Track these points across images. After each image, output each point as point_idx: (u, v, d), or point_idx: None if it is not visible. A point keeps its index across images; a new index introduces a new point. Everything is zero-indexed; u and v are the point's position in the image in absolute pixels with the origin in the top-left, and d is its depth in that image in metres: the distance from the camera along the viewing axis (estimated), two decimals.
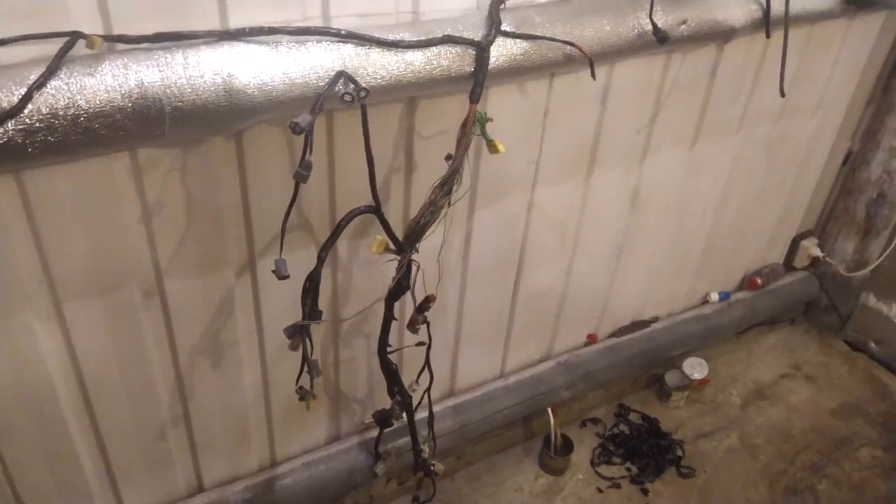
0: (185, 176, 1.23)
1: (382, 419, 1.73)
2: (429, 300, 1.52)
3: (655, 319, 2.40)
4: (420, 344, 1.63)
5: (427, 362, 1.66)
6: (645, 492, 2.12)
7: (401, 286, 1.46)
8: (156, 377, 1.46)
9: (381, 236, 1.39)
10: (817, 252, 2.63)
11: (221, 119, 1.07)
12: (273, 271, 1.16)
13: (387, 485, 2.03)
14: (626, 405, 2.41)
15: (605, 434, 2.30)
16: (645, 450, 2.23)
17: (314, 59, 1.12)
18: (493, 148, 1.39)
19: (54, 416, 1.37)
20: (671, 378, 2.41)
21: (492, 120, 1.38)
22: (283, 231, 1.19)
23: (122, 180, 1.19)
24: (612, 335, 2.31)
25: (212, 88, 1.02)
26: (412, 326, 1.53)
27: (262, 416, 1.68)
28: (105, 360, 1.37)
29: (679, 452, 2.25)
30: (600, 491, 2.12)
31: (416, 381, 1.71)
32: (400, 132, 1.47)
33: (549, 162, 1.73)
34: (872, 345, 2.70)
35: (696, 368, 2.40)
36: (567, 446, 2.17)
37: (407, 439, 1.84)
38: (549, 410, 2.13)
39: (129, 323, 1.35)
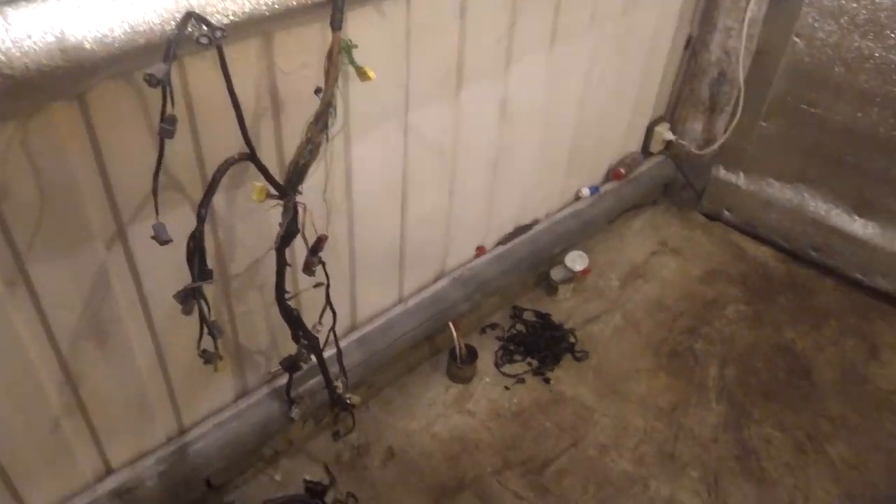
0: (29, 150, 1.10)
1: (290, 365, 1.72)
2: (321, 240, 1.50)
3: (536, 222, 2.50)
4: (318, 285, 1.61)
5: (328, 301, 1.65)
6: (547, 380, 2.27)
7: (290, 231, 1.42)
8: (38, 369, 1.35)
9: (261, 182, 1.34)
10: (670, 136, 2.82)
11: (60, 82, 0.96)
12: (153, 237, 1.08)
13: (304, 426, 2.04)
14: (520, 306, 2.53)
15: (505, 336, 2.42)
16: (542, 343, 2.37)
17: (155, 3, 1.02)
18: (363, 75, 1.34)
19: None
20: (556, 273, 2.55)
21: (357, 46, 1.33)
22: (154, 192, 1.11)
23: None
24: (499, 243, 2.39)
25: (44, 49, 0.90)
26: (308, 269, 1.50)
27: (161, 387, 1.61)
28: None
29: (572, 339, 2.41)
30: (507, 388, 2.25)
31: (320, 322, 1.70)
32: (260, 71, 1.38)
33: (418, 83, 1.70)
34: (726, 213, 2.97)
35: (577, 261, 2.55)
36: (472, 355, 2.26)
37: (317, 380, 1.85)
38: (451, 325, 2.20)
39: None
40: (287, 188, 1.36)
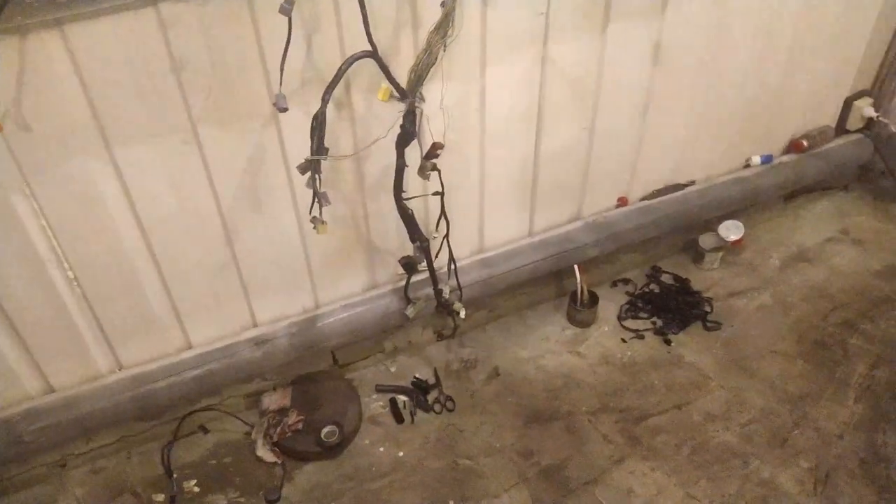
0: (206, 30, 1.38)
1: (408, 264, 1.90)
2: (435, 147, 1.64)
3: (692, 183, 2.41)
4: (436, 193, 1.77)
5: (442, 209, 1.79)
6: (668, 342, 2.22)
7: (407, 131, 1.58)
8: (205, 221, 1.67)
9: (386, 84, 1.51)
10: (871, 112, 2.52)
11: None
12: (273, 104, 1.30)
13: (423, 332, 2.23)
14: (660, 267, 2.47)
15: (635, 293, 2.39)
16: (672, 306, 2.31)
17: None
18: None
19: (121, 254, 1.62)
20: (705, 240, 2.44)
21: None
22: (281, 68, 1.33)
23: (152, 33, 1.35)
24: (645, 198, 2.35)
25: None
26: (422, 172, 1.66)
27: (303, 263, 1.89)
28: (160, 202, 1.59)
29: (707, 308, 2.32)
30: (624, 341, 2.24)
31: (437, 228, 1.86)
32: None
33: (560, 14, 1.75)
34: None
35: (731, 230, 2.42)
36: (593, 300, 2.28)
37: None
38: (576, 267, 2.23)
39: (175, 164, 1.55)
40: (407, 91, 1.52)
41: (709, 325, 2.27)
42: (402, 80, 1.54)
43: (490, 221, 2.11)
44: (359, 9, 1.37)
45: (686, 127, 2.23)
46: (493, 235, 2.16)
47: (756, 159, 2.46)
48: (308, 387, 2.07)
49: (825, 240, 2.58)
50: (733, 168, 2.49)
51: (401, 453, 1.95)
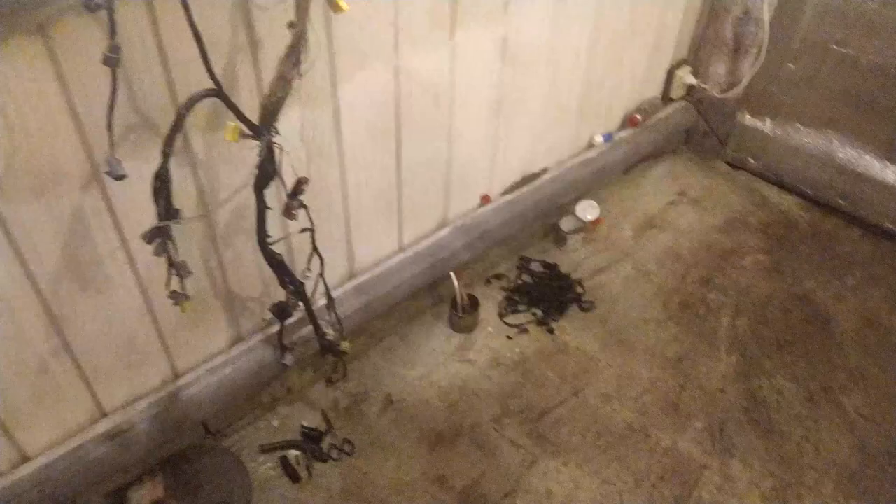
0: None
1: (280, 311, 1.72)
2: (301, 183, 1.47)
3: (545, 170, 2.43)
4: (305, 230, 1.59)
5: (314, 247, 1.62)
6: (551, 331, 2.23)
7: (265, 172, 1.39)
8: (20, 311, 1.36)
9: (234, 122, 1.31)
10: (692, 80, 2.69)
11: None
12: (107, 172, 1.07)
13: (302, 374, 2.05)
14: (527, 256, 2.48)
15: (510, 287, 2.38)
16: (547, 293, 2.33)
17: None
18: (335, 7, 1.29)
19: None
20: (566, 223, 2.48)
21: None
22: (108, 126, 1.09)
23: None
24: (506, 192, 2.33)
25: None
26: (288, 213, 1.48)
27: (151, 331, 1.62)
28: None
29: (579, 290, 2.36)
30: (510, 338, 2.22)
31: (308, 268, 1.69)
32: (235, 6, 1.33)
33: (409, 21, 1.63)
34: (751, 160, 2.84)
35: (588, 210, 2.48)
36: (473, 304, 2.23)
37: (312, 327, 1.84)
38: (452, 274, 2.16)
39: None
40: (261, 127, 1.33)
41: (584, 306, 2.31)
42: (248, 113, 1.34)
43: (358, 243, 1.97)
44: (187, 38, 1.15)
45: (536, 117, 2.23)
46: (364, 258, 2.02)
47: (598, 139, 2.54)
48: (182, 468, 1.81)
49: (667, 204, 2.74)
50: (579, 150, 2.54)
51: None
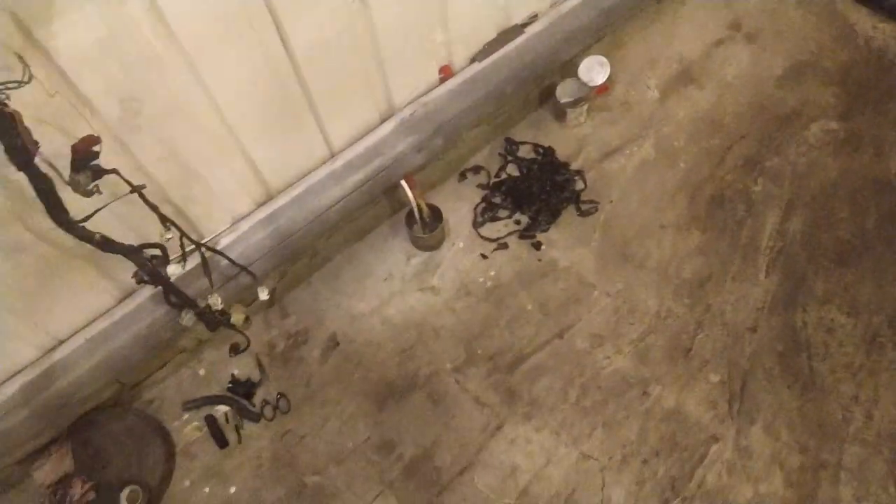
0: None
1: (147, 278, 1.32)
2: (88, 144, 1.00)
3: (534, 18, 1.77)
4: (134, 191, 1.13)
5: (152, 207, 1.17)
6: (537, 245, 1.75)
7: (13, 148, 0.91)
8: None
9: None
10: None
11: None
12: None
13: (231, 310, 1.69)
14: (514, 140, 1.91)
15: (489, 183, 1.86)
16: (537, 192, 1.80)
17: None
18: None
19: None
20: (563, 91, 1.86)
21: None
22: None
23: None
24: (475, 59, 1.72)
25: None
26: (79, 188, 1.02)
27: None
28: None
29: (580, 185, 1.82)
30: (484, 257, 1.76)
31: (167, 228, 1.26)
32: None
33: None
34: None
35: (594, 70, 1.85)
36: (436, 216, 1.75)
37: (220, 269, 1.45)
38: (403, 183, 1.67)
39: None
40: None
41: (583, 207, 1.79)
42: None
43: (264, 158, 1.48)
44: None
45: None
46: (278, 173, 1.55)
47: None
48: (91, 435, 1.57)
49: (712, 43, 2.03)
50: None
51: (232, 489, 1.54)
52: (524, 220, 1.79)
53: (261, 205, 1.57)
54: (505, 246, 1.77)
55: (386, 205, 1.82)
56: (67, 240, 1.25)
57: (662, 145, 1.87)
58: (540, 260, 1.74)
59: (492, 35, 1.72)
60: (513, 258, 1.75)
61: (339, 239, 1.78)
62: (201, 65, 1.22)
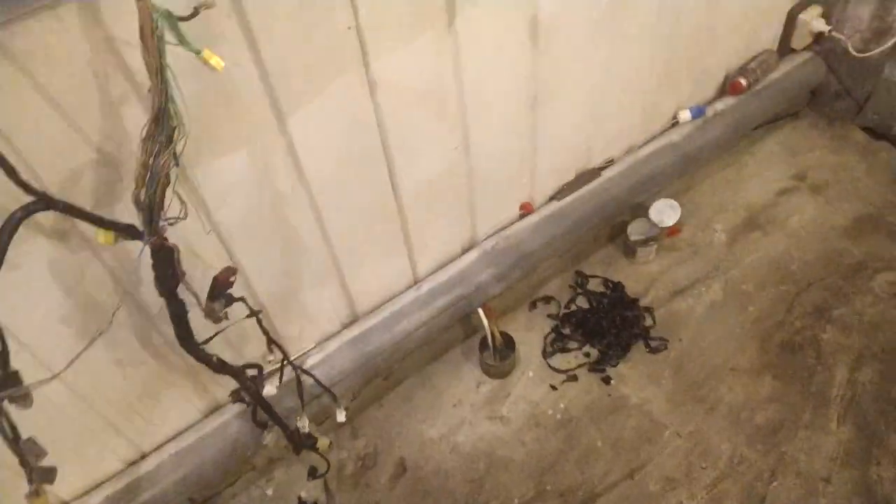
0: None
1: (241, 398, 1.38)
2: (227, 275, 1.09)
3: (610, 163, 1.88)
4: (250, 315, 1.21)
5: (267, 336, 1.25)
6: (607, 380, 1.78)
7: (164, 277, 1.00)
8: None
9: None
10: (822, 26, 1.97)
11: None
12: None
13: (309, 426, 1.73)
14: (585, 272, 1.98)
15: (559, 314, 1.91)
16: (606, 326, 1.85)
17: None
18: (207, 62, 0.83)
19: None
20: (635, 229, 1.95)
21: (207, 7, 0.81)
22: None
23: None
24: (554, 197, 1.82)
25: None
26: (212, 316, 1.10)
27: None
28: None
29: (648, 321, 1.87)
30: (554, 388, 1.79)
31: (270, 350, 1.32)
32: (94, 45, 0.90)
33: (377, 19, 1.13)
34: None
35: (664, 213, 1.93)
36: (509, 344, 1.80)
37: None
38: (481, 311, 1.73)
39: None
40: (144, 229, 0.93)
41: (653, 344, 1.82)
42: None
43: (357, 282, 1.57)
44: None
45: (588, 102, 1.67)
46: (366, 296, 1.63)
47: (685, 114, 1.93)
48: None
49: (777, 192, 2.12)
50: (656, 131, 1.95)
51: None
52: (594, 353, 1.83)
53: (346, 326, 1.65)
54: (575, 378, 1.79)
55: (459, 329, 1.88)
56: (177, 358, 1.34)
57: (731, 288, 1.92)
58: (610, 395, 1.76)
59: (570, 176, 1.83)
60: (583, 391, 1.77)
61: (413, 362, 1.83)
62: (321, 200, 1.33)
